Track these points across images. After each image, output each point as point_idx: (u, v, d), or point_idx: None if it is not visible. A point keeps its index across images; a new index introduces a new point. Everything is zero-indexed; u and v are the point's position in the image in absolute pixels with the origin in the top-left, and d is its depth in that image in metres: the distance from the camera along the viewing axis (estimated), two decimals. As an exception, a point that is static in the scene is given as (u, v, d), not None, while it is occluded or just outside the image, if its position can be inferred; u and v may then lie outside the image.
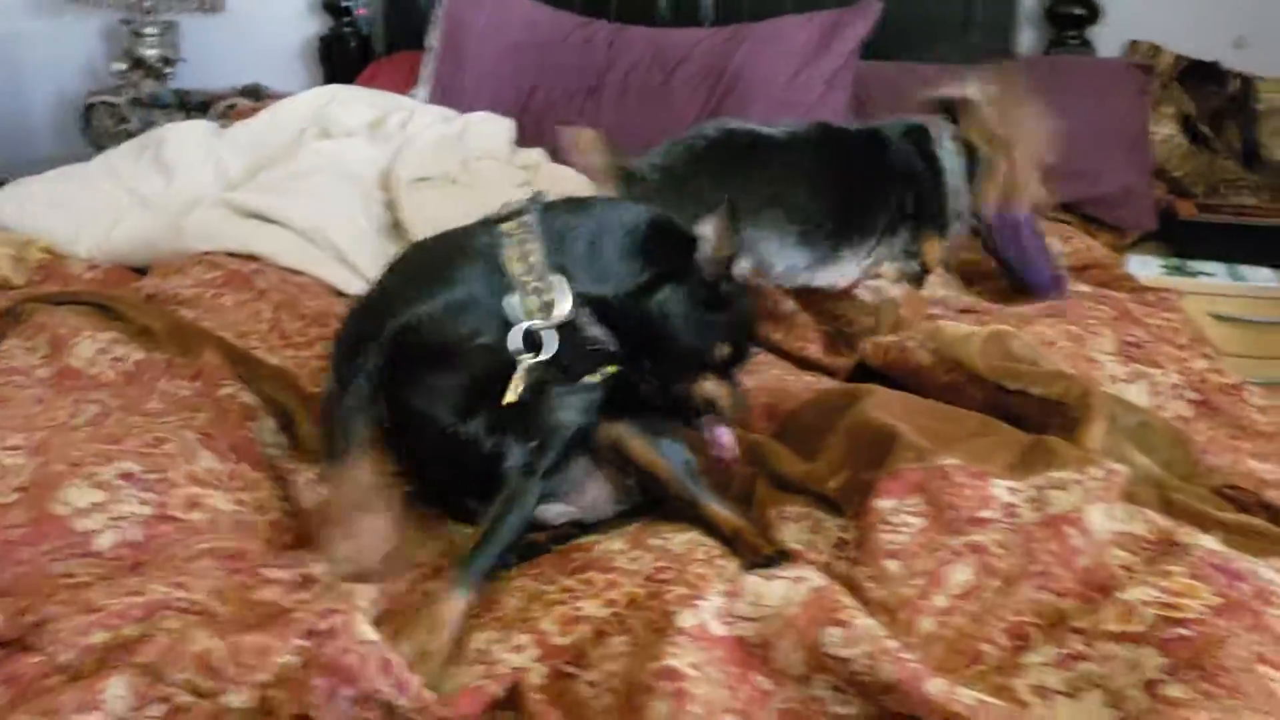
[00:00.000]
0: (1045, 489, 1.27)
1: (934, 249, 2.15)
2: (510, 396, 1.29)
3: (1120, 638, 1.03)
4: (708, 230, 1.35)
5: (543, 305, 1.31)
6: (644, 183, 1.94)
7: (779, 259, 2.00)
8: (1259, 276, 2.93)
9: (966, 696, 0.95)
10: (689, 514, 1.41)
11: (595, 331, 1.35)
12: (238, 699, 1.03)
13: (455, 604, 1.21)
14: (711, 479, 1.45)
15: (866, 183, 2.11)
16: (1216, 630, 0.99)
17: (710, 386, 1.40)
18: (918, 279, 2.14)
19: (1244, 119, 3.36)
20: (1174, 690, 0.95)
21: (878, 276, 2.13)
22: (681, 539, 1.34)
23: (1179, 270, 2.96)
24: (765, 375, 1.79)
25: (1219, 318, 2.87)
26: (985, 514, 1.24)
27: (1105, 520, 1.20)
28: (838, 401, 1.50)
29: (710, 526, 1.38)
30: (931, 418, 1.43)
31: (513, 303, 1.31)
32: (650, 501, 1.45)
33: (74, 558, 1.22)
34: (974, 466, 1.29)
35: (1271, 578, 1.14)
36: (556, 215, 1.37)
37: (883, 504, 1.26)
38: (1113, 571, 1.15)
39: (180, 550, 1.26)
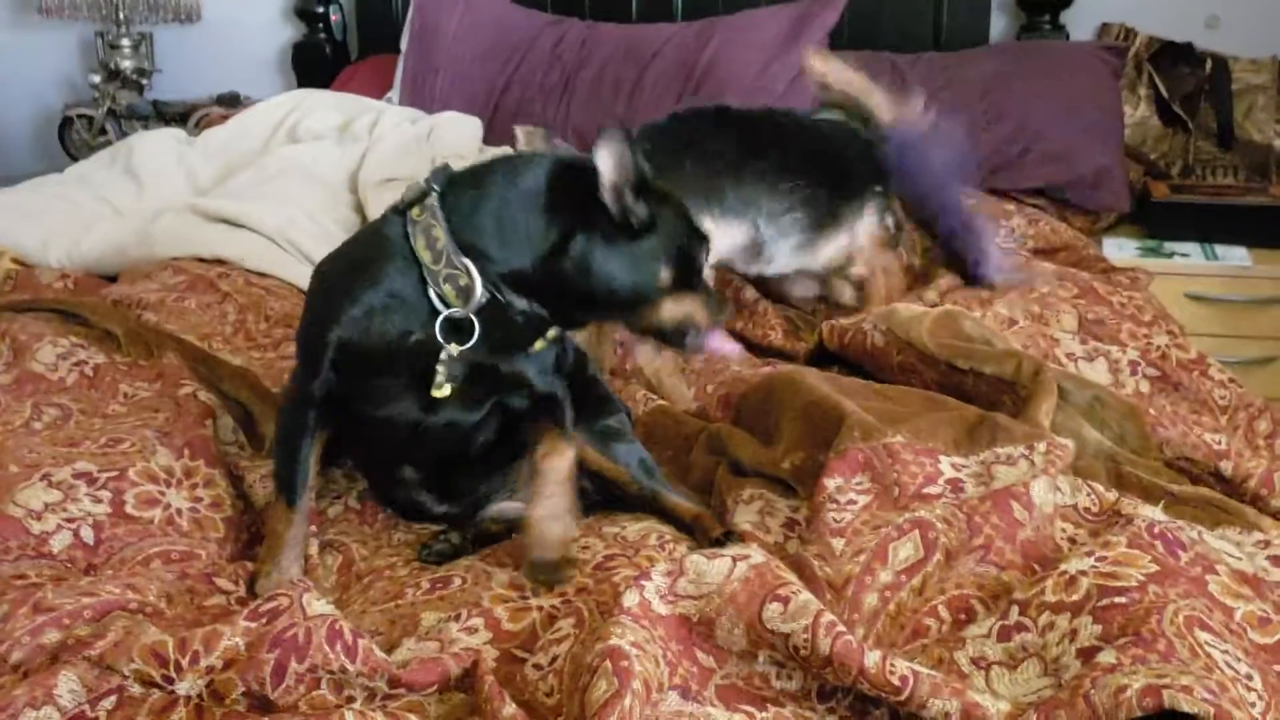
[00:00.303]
0: (992, 464, 1.28)
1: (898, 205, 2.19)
2: (437, 391, 1.26)
3: (1058, 608, 1.03)
4: (602, 161, 1.24)
5: (460, 290, 1.25)
6: None
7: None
8: (1233, 256, 2.94)
9: (902, 667, 0.95)
10: (652, 508, 1.41)
11: (522, 304, 1.28)
12: (187, 686, 1.04)
13: (572, 450, 1.33)
14: (672, 470, 1.46)
15: (835, 165, 2.12)
16: (1152, 597, 1.00)
17: (676, 307, 1.32)
18: (895, 241, 2.14)
19: (1218, 99, 3.36)
20: (1108, 656, 0.95)
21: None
22: (637, 527, 1.36)
23: (1154, 252, 2.97)
24: (724, 369, 1.79)
25: (1194, 298, 2.88)
26: (930, 490, 1.25)
27: (1049, 494, 1.20)
28: (787, 384, 1.50)
29: (671, 516, 1.40)
30: (881, 398, 1.44)
31: (433, 293, 1.25)
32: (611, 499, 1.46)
33: (26, 559, 1.23)
34: (920, 444, 1.30)
35: (1216, 545, 1.15)
36: (460, 191, 1.29)
37: (830, 483, 1.27)
38: (1056, 543, 1.15)
39: (132, 553, 1.27)
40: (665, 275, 1.30)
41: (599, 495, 1.44)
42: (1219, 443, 1.43)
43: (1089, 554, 1.09)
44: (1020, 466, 1.26)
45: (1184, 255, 2.95)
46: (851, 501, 1.25)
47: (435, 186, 1.29)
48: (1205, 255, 2.95)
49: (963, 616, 1.10)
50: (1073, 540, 1.15)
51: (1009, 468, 1.26)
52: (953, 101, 3.06)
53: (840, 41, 3.28)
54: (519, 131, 1.93)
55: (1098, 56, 3.21)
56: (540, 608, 1.19)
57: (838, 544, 1.19)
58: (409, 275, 1.26)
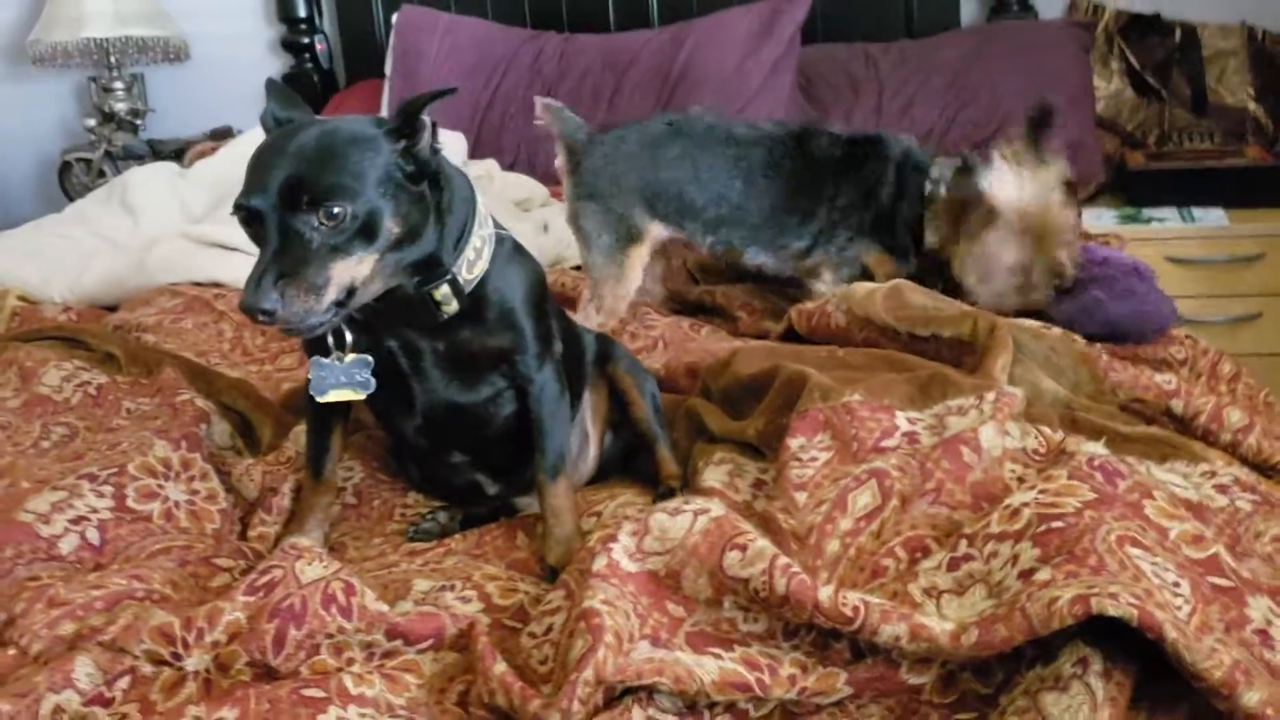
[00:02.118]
0: (944, 416, 1.34)
1: (883, 265, 2.09)
2: (335, 398, 1.34)
3: (1001, 537, 1.09)
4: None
5: None
6: (586, 159, 2.09)
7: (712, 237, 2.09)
8: (1210, 218, 2.99)
9: (853, 599, 1.01)
10: (647, 448, 1.53)
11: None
12: (195, 661, 1.10)
13: (563, 485, 1.37)
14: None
15: (810, 175, 2.11)
16: (1087, 520, 1.06)
17: None
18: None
19: (1189, 67, 3.42)
20: (1043, 574, 1.01)
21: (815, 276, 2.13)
22: (612, 505, 1.42)
23: (1132, 219, 3.03)
24: (693, 342, 1.86)
25: (1174, 260, 2.94)
26: (887, 444, 1.32)
27: (997, 438, 1.26)
28: (749, 354, 1.57)
29: (654, 468, 1.51)
30: (842, 366, 1.50)
31: None
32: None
33: (39, 562, 1.30)
34: (876, 401, 1.37)
35: (1157, 476, 1.21)
36: None
37: (793, 443, 1.34)
38: (1005, 484, 1.22)
39: (135, 552, 1.34)
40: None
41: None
42: (1169, 383, 1.48)
43: (1031, 488, 1.15)
44: (970, 416, 1.32)
45: (1161, 220, 3.00)
46: (814, 458, 1.31)
47: None
48: (1183, 219, 3.00)
49: (918, 555, 1.16)
50: (1020, 480, 1.21)
51: (960, 418, 1.32)
52: (926, 86, 3.14)
53: (813, 35, 3.36)
54: (537, 102, 2.05)
55: (1066, 33, 3.27)
56: (527, 592, 1.26)
57: (800, 497, 1.26)
58: None
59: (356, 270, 1.20)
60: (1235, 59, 3.38)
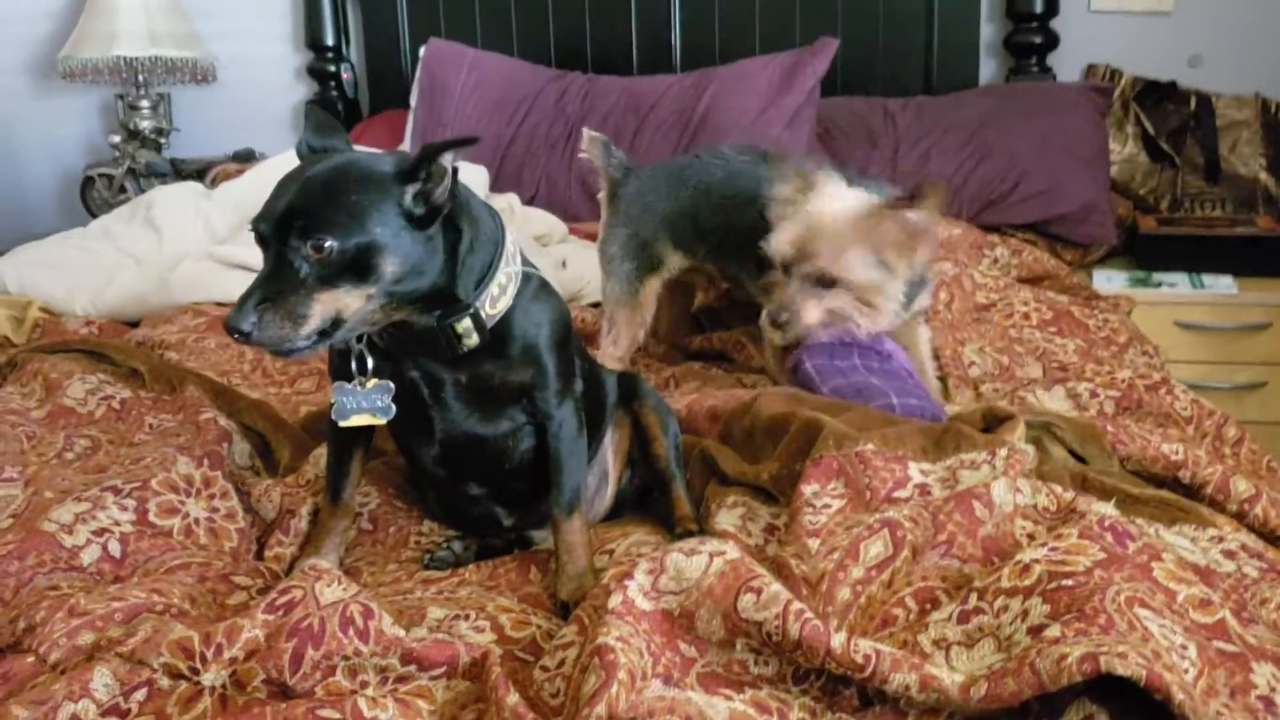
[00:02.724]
0: (956, 469, 1.37)
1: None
2: (356, 422, 1.37)
3: (1012, 592, 1.11)
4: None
5: None
6: (622, 189, 2.15)
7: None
8: (1219, 285, 3.02)
9: (865, 647, 1.03)
10: (663, 488, 1.55)
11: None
12: (212, 676, 1.12)
13: (577, 522, 1.39)
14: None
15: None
16: (1097, 580, 1.08)
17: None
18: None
19: (1203, 135, 3.46)
20: (1053, 630, 1.03)
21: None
22: (625, 544, 1.44)
23: (1143, 282, 3.06)
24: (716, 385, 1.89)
25: (1183, 326, 2.96)
26: (900, 494, 1.34)
27: (1008, 494, 1.29)
28: (765, 401, 1.59)
29: (668, 508, 1.53)
30: (850, 412, 1.53)
31: None
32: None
33: (59, 571, 1.32)
34: (890, 451, 1.39)
35: (1166, 539, 1.24)
36: None
37: (807, 489, 1.36)
38: (1015, 539, 1.24)
39: (154, 566, 1.36)
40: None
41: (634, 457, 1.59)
42: (1176, 453, 1.51)
43: (1043, 544, 1.17)
44: (983, 470, 1.35)
45: (1171, 285, 3.04)
46: (826, 505, 1.33)
47: None
48: (1193, 284, 3.04)
49: (928, 606, 1.18)
50: (1031, 536, 1.23)
51: (972, 471, 1.35)
52: (943, 142, 3.18)
53: (833, 88, 3.41)
54: (584, 134, 2.14)
55: (1084, 96, 3.31)
56: (539, 626, 1.27)
57: (813, 544, 1.28)
58: None
59: (343, 303, 1.22)
60: (1249, 129, 3.42)
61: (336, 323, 1.23)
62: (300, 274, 1.20)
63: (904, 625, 1.16)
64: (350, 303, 1.23)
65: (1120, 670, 0.94)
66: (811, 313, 1.75)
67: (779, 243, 1.77)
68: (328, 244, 1.19)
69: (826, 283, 1.75)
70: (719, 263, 2.11)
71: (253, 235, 1.25)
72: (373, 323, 1.28)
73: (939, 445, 1.41)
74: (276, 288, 1.20)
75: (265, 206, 1.24)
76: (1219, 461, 1.52)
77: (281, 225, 1.21)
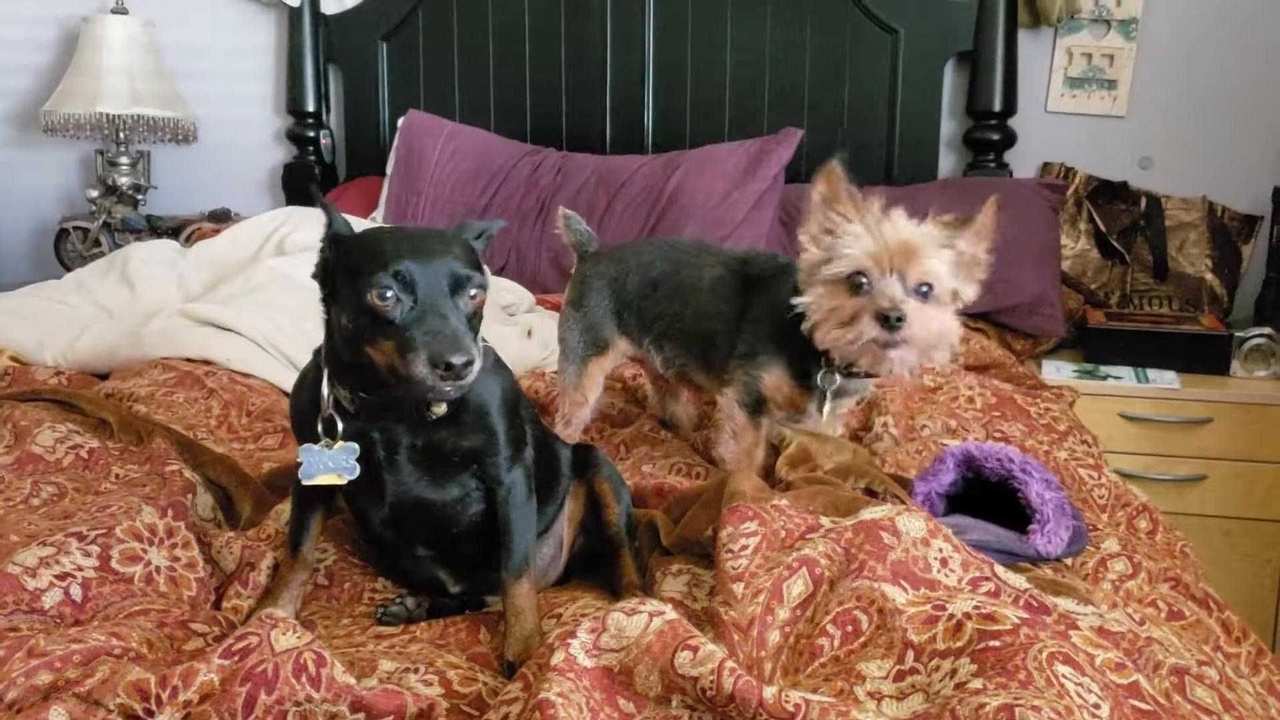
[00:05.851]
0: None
1: (779, 390, 1.93)
2: (321, 481, 1.42)
3: (945, 654, 1.18)
4: None
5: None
6: (585, 269, 2.18)
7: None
8: (1163, 379, 3.12)
9: (795, 697, 1.09)
10: (612, 554, 1.60)
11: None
12: (166, 719, 1.15)
13: (525, 585, 1.44)
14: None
15: (738, 292, 2.03)
16: (1023, 638, 1.16)
17: None
18: (754, 407, 1.94)
19: (1153, 234, 3.59)
20: (976, 684, 1.10)
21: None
22: (573, 608, 1.49)
23: (1090, 374, 3.16)
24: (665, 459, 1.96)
25: (1127, 418, 3.06)
26: (812, 536, 1.44)
27: (915, 522, 1.41)
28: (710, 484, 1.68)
29: (617, 574, 1.58)
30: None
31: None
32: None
33: (20, 613, 1.35)
34: (801, 507, 1.51)
35: (1073, 609, 1.32)
36: None
37: (723, 533, 1.44)
38: (927, 562, 1.35)
39: (114, 611, 1.40)
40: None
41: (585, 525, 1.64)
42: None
43: (970, 595, 1.25)
44: (885, 508, 1.47)
45: (1117, 378, 3.13)
46: (744, 547, 1.40)
47: None
48: (1138, 378, 3.13)
49: (849, 629, 1.25)
50: (944, 561, 1.34)
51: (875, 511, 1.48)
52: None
53: (798, 176, 3.51)
54: (559, 211, 2.21)
55: (1038, 193, 3.42)
56: (486, 683, 1.31)
57: (738, 588, 1.34)
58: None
59: None
60: (1196, 231, 3.56)
61: None
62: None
63: (832, 654, 1.24)
64: None
65: (1033, 721, 1.01)
66: (930, 320, 1.75)
67: (855, 255, 1.76)
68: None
69: (922, 292, 1.77)
70: (663, 351, 2.10)
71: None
72: None
73: (847, 508, 1.51)
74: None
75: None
76: (1126, 545, 1.62)
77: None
